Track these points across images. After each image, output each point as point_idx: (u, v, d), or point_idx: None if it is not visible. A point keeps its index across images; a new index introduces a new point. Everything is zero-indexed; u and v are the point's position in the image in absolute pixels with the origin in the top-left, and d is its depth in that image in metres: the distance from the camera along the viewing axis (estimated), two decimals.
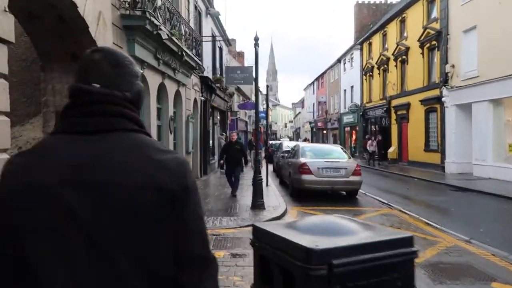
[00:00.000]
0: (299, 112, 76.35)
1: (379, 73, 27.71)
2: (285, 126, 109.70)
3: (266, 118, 12.41)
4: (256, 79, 9.45)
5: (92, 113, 1.00)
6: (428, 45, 20.50)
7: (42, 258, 0.90)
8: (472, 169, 16.68)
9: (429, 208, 10.56)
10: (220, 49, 22.20)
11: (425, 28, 20.51)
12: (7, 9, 3.65)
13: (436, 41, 19.56)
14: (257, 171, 9.22)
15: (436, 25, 19.50)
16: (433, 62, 20.39)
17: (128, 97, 1.06)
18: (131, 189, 0.94)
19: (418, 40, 21.08)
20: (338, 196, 11.85)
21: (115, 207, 0.93)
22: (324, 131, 47.31)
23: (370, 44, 29.88)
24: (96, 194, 0.93)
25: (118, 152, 0.97)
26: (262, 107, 60.99)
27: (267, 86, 13.55)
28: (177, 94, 13.07)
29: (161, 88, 11.41)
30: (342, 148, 13.10)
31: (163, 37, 9.19)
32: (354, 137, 34.92)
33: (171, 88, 12.01)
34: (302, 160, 11.42)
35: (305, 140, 37.76)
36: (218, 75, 19.10)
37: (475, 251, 6.27)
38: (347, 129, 37.04)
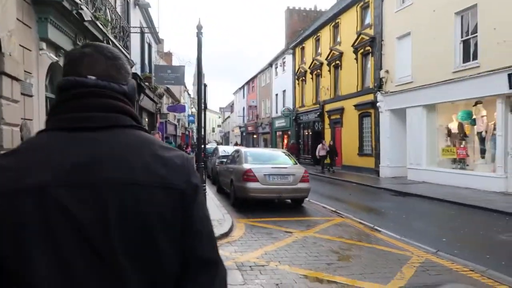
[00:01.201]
0: (228, 117, 75.52)
1: (312, 78, 27.77)
2: (213, 131, 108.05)
3: (204, 120, 10.73)
4: (199, 72, 8.21)
5: (90, 107, 0.91)
6: (362, 50, 20.74)
7: (37, 265, 0.81)
8: (406, 173, 16.95)
9: (379, 215, 10.12)
10: (149, 45, 20.43)
11: (359, 34, 20.74)
12: None
13: (370, 46, 19.81)
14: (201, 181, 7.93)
15: (370, 31, 19.76)
16: (367, 68, 20.66)
17: (125, 90, 0.99)
18: (139, 189, 0.87)
19: (352, 46, 21.27)
20: (284, 205, 10.99)
21: (119, 209, 0.85)
22: (255, 136, 46.93)
23: (302, 48, 29.93)
24: (97, 195, 0.85)
25: (120, 150, 0.90)
26: (190, 110, 58.43)
27: (205, 86, 12.23)
28: None
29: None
30: (286, 153, 12.29)
31: (85, 19, 7.57)
32: (285, 141, 34.80)
33: None
34: (247, 166, 10.35)
35: (236, 144, 36.86)
36: (148, 73, 17.39)
37: (451, 266, 5.68)
38: (279, 133, 36.90)
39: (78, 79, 0.92)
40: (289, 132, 33.21)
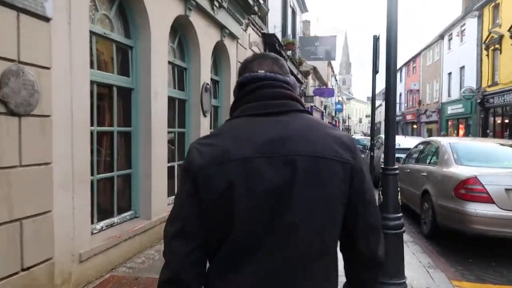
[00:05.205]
0: (380, 105, 68.06)
1: None
2: (360, 122, 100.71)
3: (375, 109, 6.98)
4: (391, 25, 3.74)
5: (269, 96, 1.14)
6: None
7: (241, 208, 1.04)
8: None
9: None
10: (293, 10, 16.59)
11: None
12: None
13: None
14: (390, 208, 3.48)
15: None
16: None
17: (288, 80, 1.20)
18: (319, 160, 1.07)
19: None
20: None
21: (304, 173, 1.05)
22: (415, 126, 39.62)
23: (495, 6, 22.24)
24: (286, 162, 1.05)
25: (300, 130, 1.11)
26: (337, 98, 53.49)
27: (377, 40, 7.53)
28: (220, 50, 7.76)
29: (184, 30, 6.15)
30: None
31: None
32: (462, 132, 27.28)
33: (205, 33, 6.67)
34: (464, 171, 5.49)
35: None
36: (291, 39, 13.51)
37: None
38: (451, 122, 29.34)
39: (252, 74, 1.18)
40: (470, 121, 25.69)
